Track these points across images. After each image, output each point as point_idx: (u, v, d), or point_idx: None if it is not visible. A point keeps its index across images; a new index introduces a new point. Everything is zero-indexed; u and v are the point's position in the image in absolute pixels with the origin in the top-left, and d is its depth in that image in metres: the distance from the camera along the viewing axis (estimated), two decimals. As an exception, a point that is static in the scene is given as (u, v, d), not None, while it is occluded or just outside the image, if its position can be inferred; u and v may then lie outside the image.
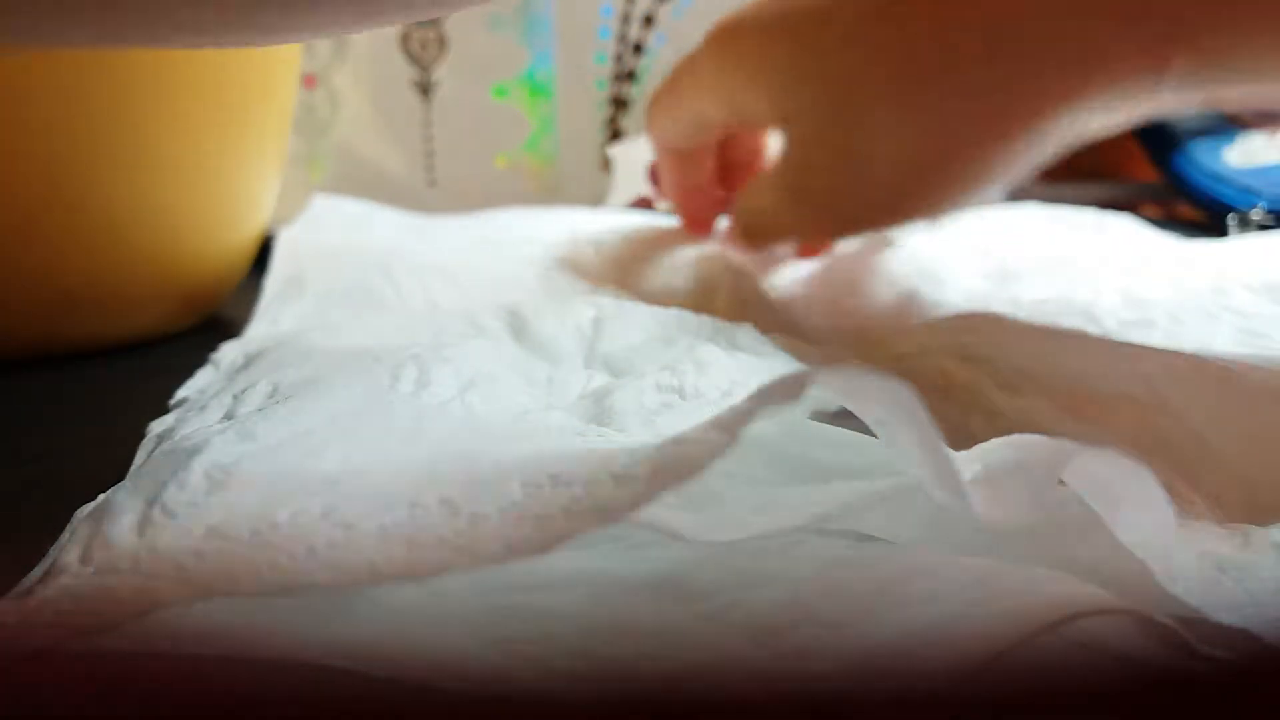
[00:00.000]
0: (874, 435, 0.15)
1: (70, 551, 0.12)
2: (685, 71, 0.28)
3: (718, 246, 0.31)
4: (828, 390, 0.13)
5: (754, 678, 0.11)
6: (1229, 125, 0.52)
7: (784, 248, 0.30)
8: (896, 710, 0.11)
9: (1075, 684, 0.11)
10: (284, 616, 0.12)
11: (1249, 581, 0.13)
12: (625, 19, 0.49)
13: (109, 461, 0.17)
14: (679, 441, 0.12)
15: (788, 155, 0.25)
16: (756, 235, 0.28)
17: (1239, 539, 0.14)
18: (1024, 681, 0.11)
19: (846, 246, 0.33)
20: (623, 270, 0.29)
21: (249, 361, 0.20)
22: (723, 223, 0.34)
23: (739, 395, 0.17)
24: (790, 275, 0.30)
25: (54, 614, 0.11)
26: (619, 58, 0.49)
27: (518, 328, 0.22)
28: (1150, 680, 0.12)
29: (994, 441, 0.15)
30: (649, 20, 0.49)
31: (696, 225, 0.33)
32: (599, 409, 0.17)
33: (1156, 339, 0.21)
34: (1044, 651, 0.12)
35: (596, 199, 0.49)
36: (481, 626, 0.12)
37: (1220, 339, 0.22)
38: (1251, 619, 0.12)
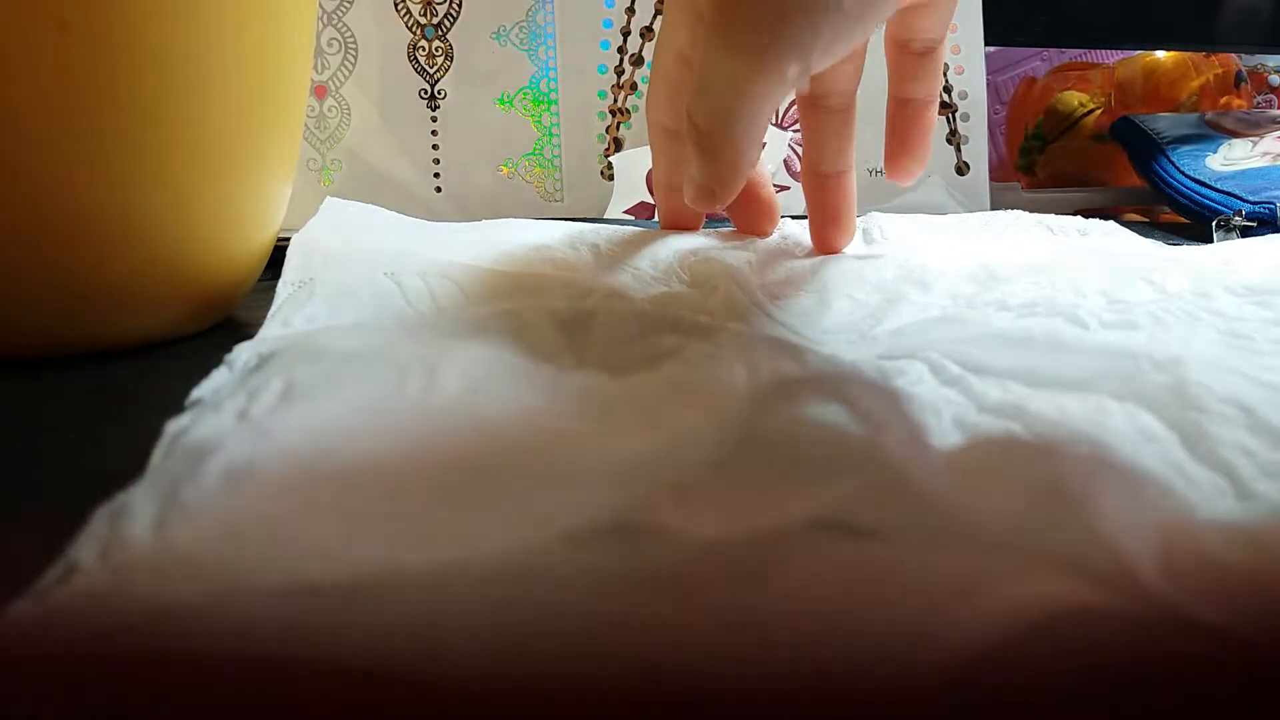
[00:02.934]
0: (867, 432, 0.15)
1: (87, 550, 0.12)
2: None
3: (714, 247, 0.31)
4: (821, 389, 0.14)
5: (749, 673, 0.11)
6: (1212, 132, 0.52)
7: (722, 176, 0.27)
8: (889, 705, 0.11)
9: (1062, 679, 0.12)
10: (296, 614, 0.12)
11: (1235, 577, 0.13)
12: (625, 31, 0.49)
13: (125, 461, 0.17)
14: (677, 441, 0.13)
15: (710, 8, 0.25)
16: (704, 122, 0.26)
17: (1225, 534, 0.14)
18: (1011, 677, 0.12)
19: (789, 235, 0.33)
20: (621, 272, 0.30)
21: (262, 362, 0.21)
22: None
23: (735, 394, 0.18)
24: (785, 277, 0.30)
25: (71, 613, 0.11)
26: (620, 69, 0.49)
27: (520, 330, 0.22)
28: (1137, 676, 0.12)
29: (982, 438, 0.15)
30: (648, 31, 0.49)
31: (676, 227, 0.34)
32: (600, 409, 0.17)
33: (1140, 340, 0.22)
34: (1032, 647, 0.12)
35: (598, 206, 0.49)
36: (484, 623, 0.12)
37: (1202, 341, 0.22)
38: (1239, 615, 0.12)
